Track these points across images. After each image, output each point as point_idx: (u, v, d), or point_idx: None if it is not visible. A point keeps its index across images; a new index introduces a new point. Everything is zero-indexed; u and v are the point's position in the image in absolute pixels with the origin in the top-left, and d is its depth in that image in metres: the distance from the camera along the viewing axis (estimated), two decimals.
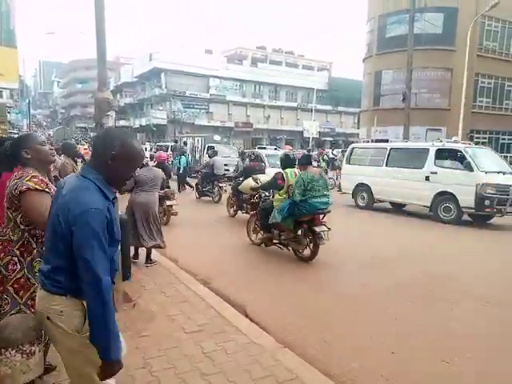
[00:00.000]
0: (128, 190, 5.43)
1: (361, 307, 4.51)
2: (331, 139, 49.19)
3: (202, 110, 43.03)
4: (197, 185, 13.41)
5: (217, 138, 21.85)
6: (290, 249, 6.31)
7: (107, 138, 1.80)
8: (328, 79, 50.42)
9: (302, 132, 44.35)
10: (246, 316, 4.06)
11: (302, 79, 45.99)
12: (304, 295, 4.79)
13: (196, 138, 21.93)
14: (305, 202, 5.77)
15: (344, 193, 13.35)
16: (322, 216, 6.01)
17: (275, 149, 19.46)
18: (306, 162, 6.22)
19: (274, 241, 6.49)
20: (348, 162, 13.08)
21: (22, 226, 2.30)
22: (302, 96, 49.48)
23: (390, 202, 12.10)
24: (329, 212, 6.07)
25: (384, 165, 11.55)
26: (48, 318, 1.69)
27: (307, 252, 6.06)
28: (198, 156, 20.96)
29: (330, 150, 31.40)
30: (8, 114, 33.58)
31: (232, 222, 9.59)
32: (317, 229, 5.82)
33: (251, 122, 44.83)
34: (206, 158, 18.12)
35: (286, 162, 6.54)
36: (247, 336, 3.48)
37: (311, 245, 5.97)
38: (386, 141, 15.31)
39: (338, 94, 48.32)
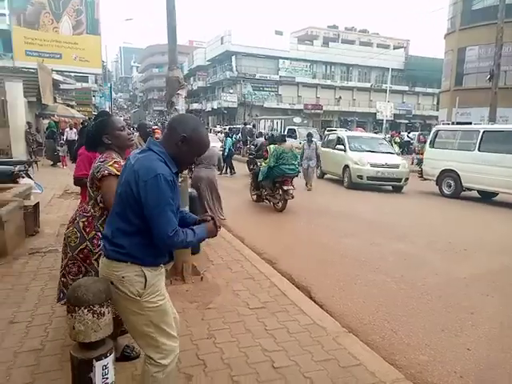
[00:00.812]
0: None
1: (433, 298, 4.23)
2: (407, 122, 46.61)
3: (272, 93, 42.89)
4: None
5: (297, 120, 20.99)
6: (271, 203, 8.54)
7: (182, 121, 1.92)
8: (404, 58, 47.52)
9: (375, 114, 42.45)
10: (310, 298, 4.01)
11: (376, 58, 43.74)
12: (375, 284, 4.61)
13: (275, 121, 21.30)
14: (277, 167, 7.98)
15: (426, 179, 12.07)
16: (290, 179, 8.04)
17: (329, 131, 19.14)
18: (281, 139, 8.67)
19: (263, 197, 8.73)
20: (432, 145, 11.87)
21: (100, 205, 2.41)
22: (376, 76, 47.26)
23: (479, 191, 10.89)
24: (296, 176, 8.32)
25: (476, 149, 10.25)
26: (112, 283, 1.80)
27: (280, 205, 8.24)
28: None
29: (406, 133, 29.76)
30: (93, 98, 36.27)
31: (301, 205, 9.51)
32: (285, 187, 7.92)
33: (321, 103, 43.82)
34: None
35: (270, 139, 9.88)
36: (310, 317, 3.43)
37: (282, 200, 8.17)
38: (469, 123, 14.11)
39: (415, 73, 45.44)
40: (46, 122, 17.04)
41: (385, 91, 39.70)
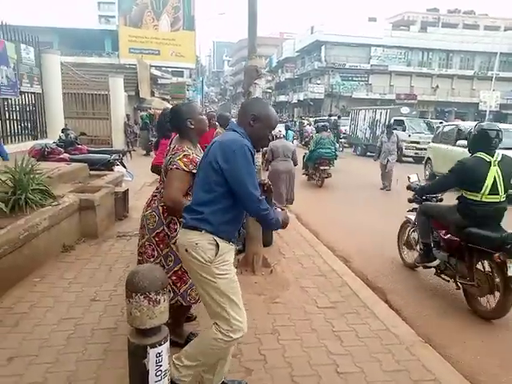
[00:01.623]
0: None
1: None
2: None
3: (361, 82, 41.21)
4: None
5: (404, 110, 18.52)
6: (314, 180, 10.29)
7: (250, 103, 2.27)
8: None
9: (478, 104, 38.52)
10: (386, 302, 3.75)
11: (481, 42, 39.48)
12: (458, 292, 4.17)
13: (378, 111, 19.04)
14: (316, 151, 9.80)
15: None
16: (327, 160, 9.83)
17: (440, 123, 17.23)
18: (322, 129, 10.39)
19: (309, 176, 10.55)
20: None
21: None
22: (481, 62, 42.75)
23: None
24: (333, 159, 10.08)
25: None
26: (186, 251, 2.00)
27: (320, 182, 10.05)
28: (379, 132, 17.55)
29: None
30: (186, 92, 38.26)
31: (384, 200, 9.02)
32: (321, 167, 9.81)
33: (415, 93, 40.97)
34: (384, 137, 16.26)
35: (316, 129, 11.17)
36: (383, 322, 3.21)
37: (320, 178, 9.99)
38: None
39: None
40: (143, 114, 18.39)
41: (490, 79, 35.73)
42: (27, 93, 8.86)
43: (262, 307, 3.39)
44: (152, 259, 2.61)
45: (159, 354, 1.73)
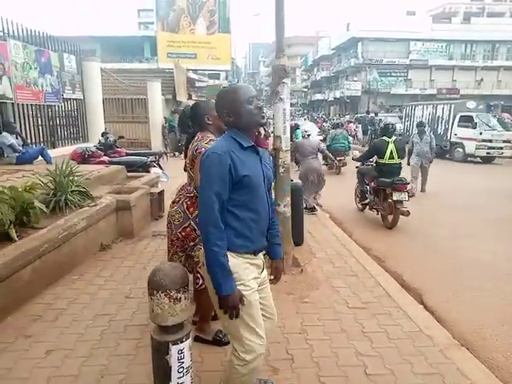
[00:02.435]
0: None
1: None
2: None
3: (400, 78, 39.99)
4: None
5: (471, 104, 16.35)
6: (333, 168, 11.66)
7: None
8: None
9: None
10: (422, 303, 3.63)
11: None
12: (501, 294, 3.98)
13: (439, 107, 16.90)
14: (331, 145, 11.51)
15: None
16: (341, 152, 11.52)
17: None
18: (337, 126, 12.59)
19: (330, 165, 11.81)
20: None
21: None
22: None
23: None
24: (346, 151, 11.75)
25: None
26: (203, 265, 1.84)
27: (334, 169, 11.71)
28: (442, 130, 16.26)
29: None
30: None
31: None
32: (338, 158, 10.75)
33: (458, 87, 39.25)
34: (457, 132, 15.15)
35: (333, 126, 13.34)
36: (416, 323, 3.10)
37: (336, 167, 11.37)
38: None
39: None
40: (169, 117, 18.73)
41: None
42: (70, 99, 9.29)
43: (291, 307, 3.37)
44: (180, 253, 2.69)
45: (181, 351, 1.77)
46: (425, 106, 18.19)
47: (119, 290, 3.63)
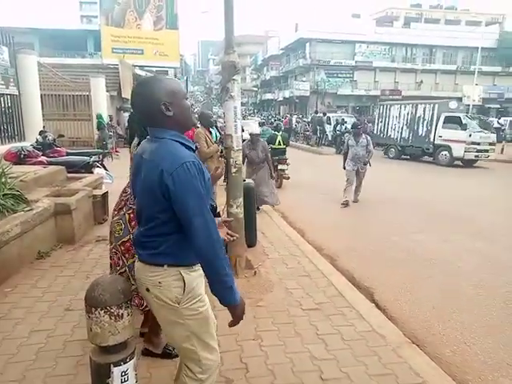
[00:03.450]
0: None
1: None
2: (498, 106, 42.11)
3: (346, 79, 41.28)
4: None
5: (453, 104, 15.52)
6: None
7: (147, 98, 1.56)
8: (498, 35, 42.77)
9: (461, 99, 38.87)
10: (373, 302, 3.66)
11: (463, 38, 39.86)
12: (448, 288, 4.12)
13: (419, 106, 15.90)
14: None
15: None
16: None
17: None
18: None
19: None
20: None
21: None
22: (463, 57, 43.18)
23: None
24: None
25: None
26: (147, 290, 1.64)
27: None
28: (423, 131, 15.44)
29: (495, 119, 26.98)
30: None
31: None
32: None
33: (400, 88, 41.22)
34: (442, 133, 14.21)
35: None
36: (368, 323, 3.11)
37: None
38: None
39: (510, 52, 40.67)
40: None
41: (473, 73, 36.08)
42: (3, 95, 8.57)
43: (246, 312, 3.24)
44: (118, 268, 2.50)
45: (124, 373, 1.60)
46: (402, 106, 17.22)
47: (58, 302, 3.34)
